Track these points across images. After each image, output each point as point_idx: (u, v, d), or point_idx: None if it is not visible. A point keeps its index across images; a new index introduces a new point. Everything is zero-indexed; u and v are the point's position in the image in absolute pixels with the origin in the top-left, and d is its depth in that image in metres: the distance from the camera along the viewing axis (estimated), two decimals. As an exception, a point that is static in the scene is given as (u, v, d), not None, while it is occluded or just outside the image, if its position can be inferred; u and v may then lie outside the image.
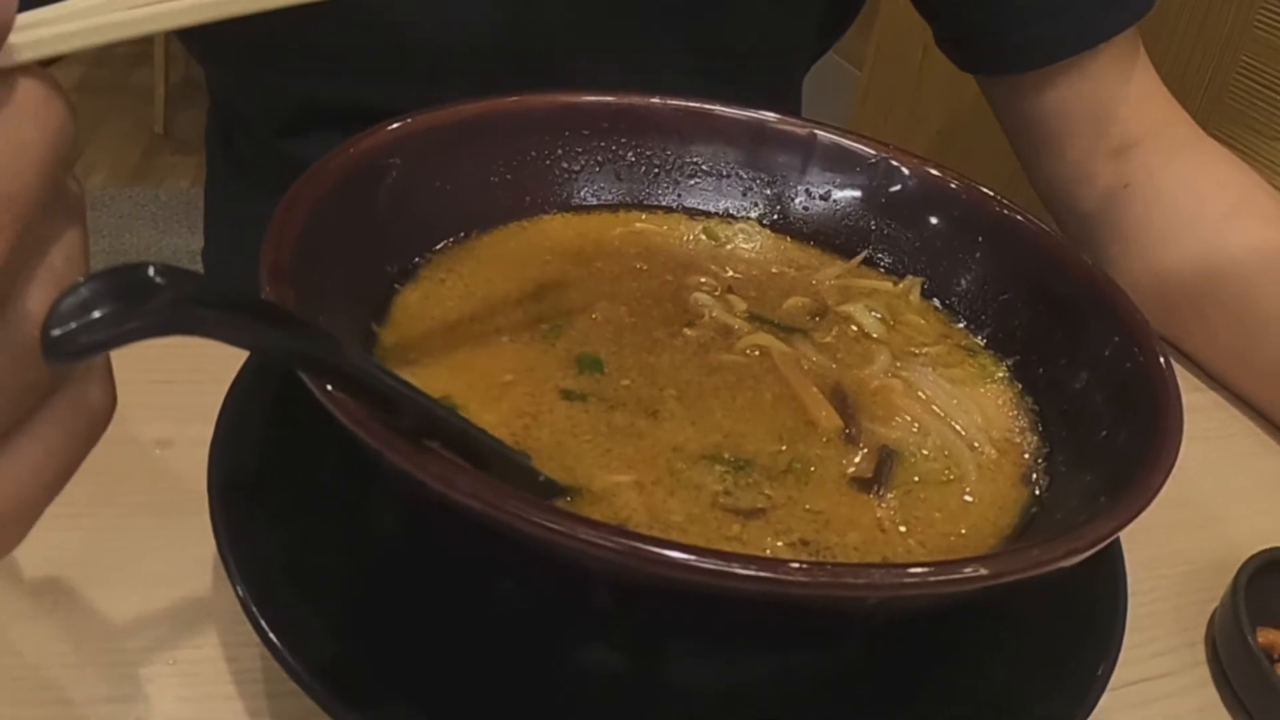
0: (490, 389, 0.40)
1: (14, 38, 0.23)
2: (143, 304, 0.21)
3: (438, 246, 0.46)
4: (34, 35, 0.24)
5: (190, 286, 0.22)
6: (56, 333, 0.20)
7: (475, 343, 0.42)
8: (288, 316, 0.27)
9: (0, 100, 0.23)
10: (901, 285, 0.50)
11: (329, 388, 0.29)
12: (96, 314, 0.20)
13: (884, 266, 0.51)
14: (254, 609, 0.35)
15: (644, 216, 0.51)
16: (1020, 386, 0.46)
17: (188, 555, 0.43)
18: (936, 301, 0.50)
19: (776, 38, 0.74)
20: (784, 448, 0.40)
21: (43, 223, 0.24)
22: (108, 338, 0.20)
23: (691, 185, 0.52)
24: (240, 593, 0.35)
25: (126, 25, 0.27)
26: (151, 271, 0.21)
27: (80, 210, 0.26)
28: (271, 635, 0.34)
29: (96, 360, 0.26)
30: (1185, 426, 0.37)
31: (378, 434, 0.29)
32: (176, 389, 0.46)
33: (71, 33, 0.25)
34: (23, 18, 0.23)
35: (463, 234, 0.47)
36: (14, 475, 0.24)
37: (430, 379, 0.40)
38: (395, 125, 0.43)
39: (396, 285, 0.44)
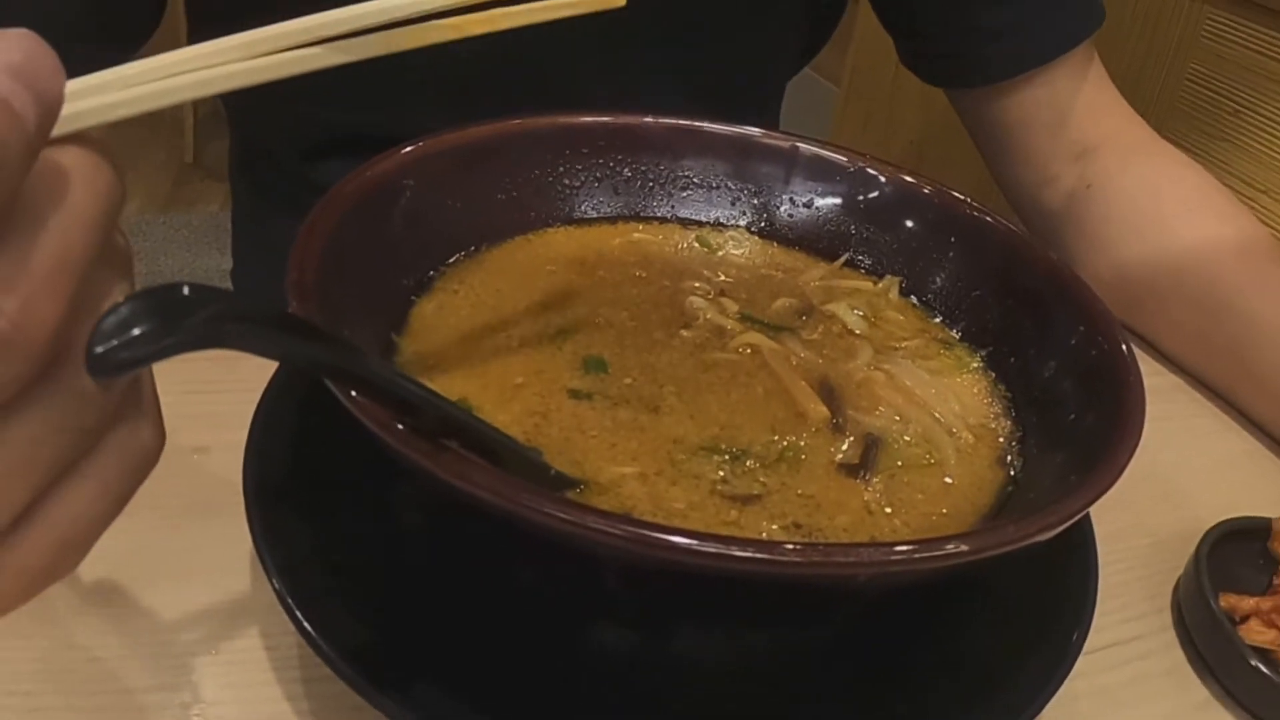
0: (503, 391, 0.40)
1: (64, 109, 0.23)
2: (179, 321, 0.21)
3: (450, 260, 0.46)
4: (82, 105, 0.24)
5: (222, 303, 0.22)
6: (99, 349, 0.20)
7: (488, 348, 0.42)
8: (314, 329, 0.27)
9: (53, 167, 0.23)
10: (881, 284, 0.50)
11: (354, 394, 0.29)
12: (136, 331, 0.20)
13: (864, 267, 0.51)
14: (290, 601, 0.35)
15: (641, 227, 0.51)
16: (994, 375, 0.46)
17: (227, 553, 0.43)
18: (914, 299, 0.50)
19: (760, 57, 0.74)
20: (776, 438, 0.40)
21: (94, 278, 0.24)
22: (147, 353, 0.20)
23: (684, 197, 0.52)
24: (276, 586, 0.35)
25: (168, 94, 0.26)
26: (186, 291, 0.21)
27: (128, 264, 0.26)
28: (306, 625, 0.34)
29: (147, 402, 0.26)
30: (1148, 408, 0.37)
31: (400, 436, 0.29)
32: (212, 398, 0.46)
33: (116, 102, 0.25)
34: (70, 88, 0.23)
35: (473, 248, 0.47)
36: (73, 509, 0.24)
37: (447, 383, 0.40)
38: (408, 149, 0.43)
39: (413, 297, 0.44)
